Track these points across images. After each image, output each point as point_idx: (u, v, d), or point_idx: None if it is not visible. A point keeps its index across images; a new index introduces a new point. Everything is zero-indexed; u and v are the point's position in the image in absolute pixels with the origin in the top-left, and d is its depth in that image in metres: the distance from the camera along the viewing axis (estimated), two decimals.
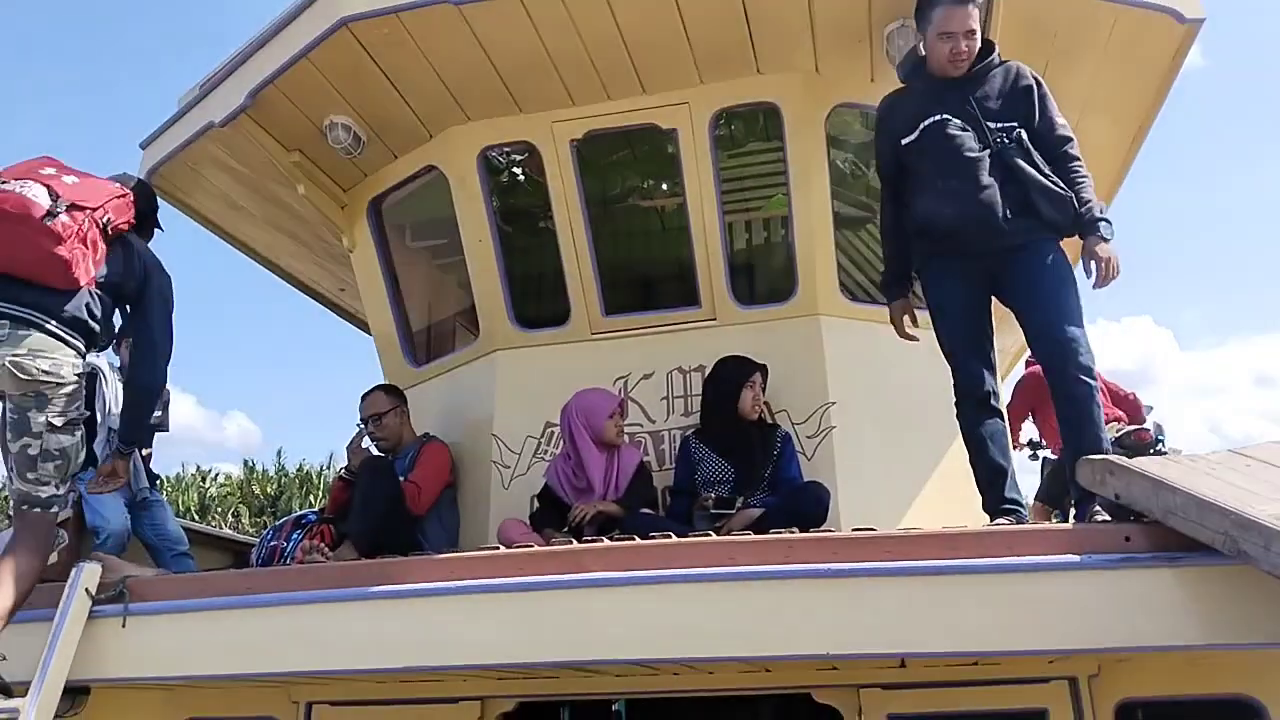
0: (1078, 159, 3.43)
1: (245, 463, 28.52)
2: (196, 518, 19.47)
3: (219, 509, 24.59)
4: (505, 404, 4.67)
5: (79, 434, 3.38)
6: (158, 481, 5.50)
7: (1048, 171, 3.33)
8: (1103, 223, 3.32)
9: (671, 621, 2.75)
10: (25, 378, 3.14)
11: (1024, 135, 3.39)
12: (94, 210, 3.26)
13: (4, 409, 3.31)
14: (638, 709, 6.09)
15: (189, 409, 49.10)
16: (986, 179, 3.31)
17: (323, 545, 3.94)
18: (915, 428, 4.32)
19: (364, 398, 4.70)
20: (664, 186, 5.12)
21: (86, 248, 3.23)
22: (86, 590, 3.12)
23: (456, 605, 2.87)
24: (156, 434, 5.42)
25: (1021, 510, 3.44)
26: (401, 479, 4.28)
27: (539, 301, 4.89)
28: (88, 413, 3.85)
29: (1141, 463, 2.68)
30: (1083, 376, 3.20)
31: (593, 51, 4.14)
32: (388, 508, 4.07)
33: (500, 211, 4.82)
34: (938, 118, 3.41)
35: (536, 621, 2.82)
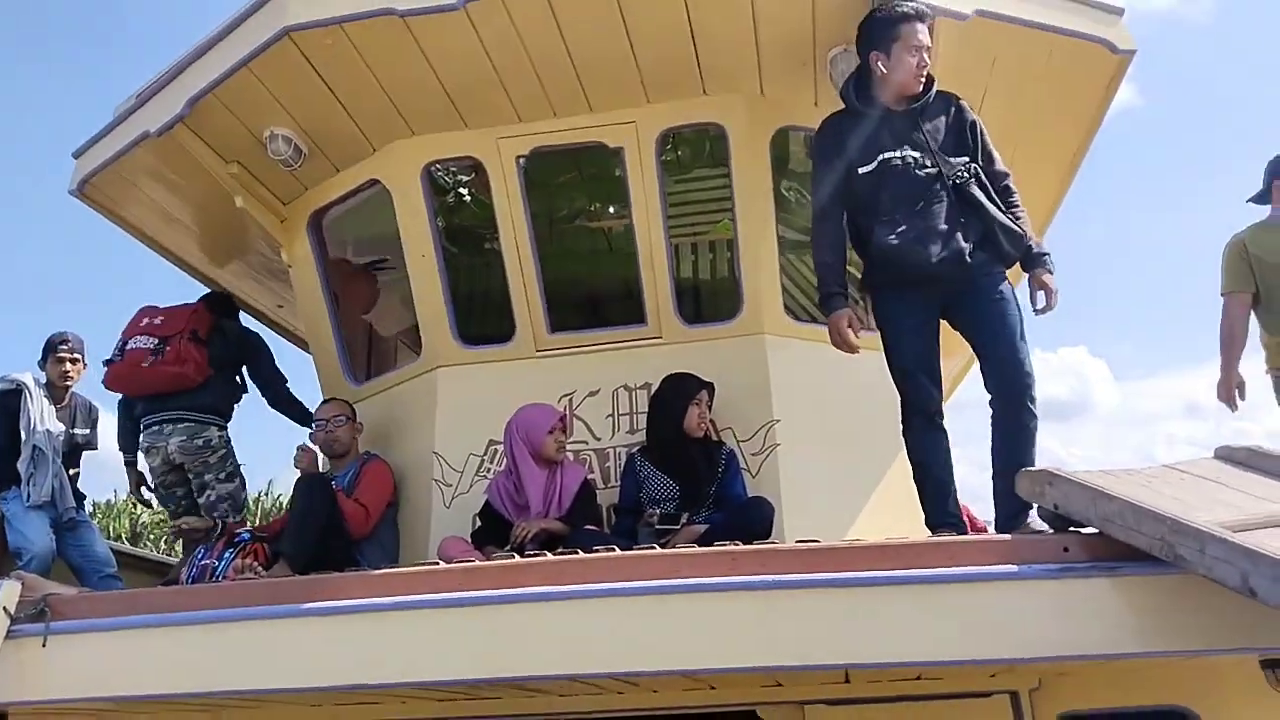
0: (1016, 193, 3.58)
1: None
2: (129, 546, 18.82)
3: (152, 536, 23.74)
4: (447, 421, 4.60)
5: (236, 481, 4.99)
6: (86, 504, 5.32)
7: (1002, 207, 3.47)
8: (1046, 255, 3.52)
9: (616, 636, 2.70)
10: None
11: (979, 171, 3.51)
12: (179, 334, 4.80)
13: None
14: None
15: None
16: (951, 216, 3.41)
17: (256, 564, 3.82)
18: (859, 445, 4.35)
19: (321, 404, 4.68)
20: (611, 208, 5.15)
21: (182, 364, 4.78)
22: (4, 609, 2.97)
23: (394, 622, 2.77)
24: (84, 452, 5.26)
25: (963, 525, 3.48)
26: (341, 494, 4.18)
27: (483, 318, 4.86)
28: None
29: (1080, 474, 2.72)
30: (1034, 409, 3.37)
31: (540, 69, 4.14)
32: (325, 526, 3.97)
33: (445, 228, 4.78)
34: (899, 153, 3.47)
35: (477, 638, 2.74)
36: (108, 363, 4.85)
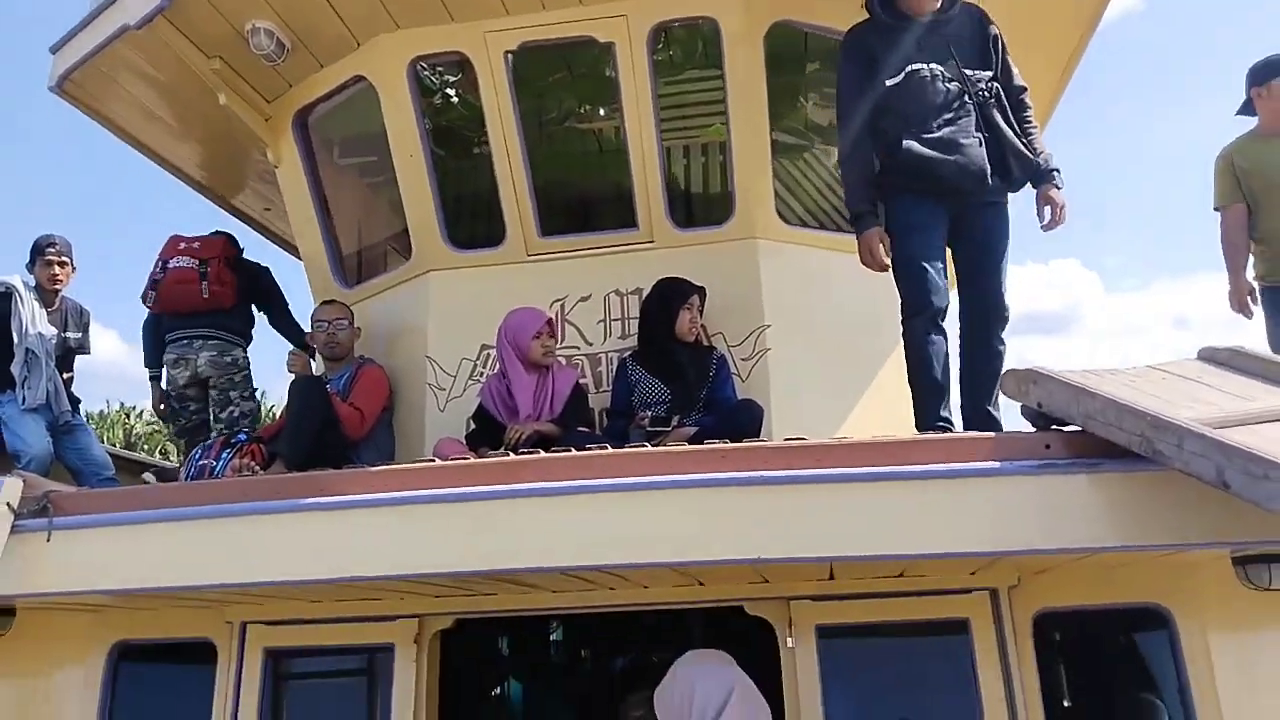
0: (1030, 108, 3.67)
1: None
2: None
3: (145, 447, 24.01)
4: (439, 326, 4.61)
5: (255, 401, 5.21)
6: (80, 409, 5.35)
7: (1019, 131, 3.57)
8: (1056, 172, 3.61)
9: (607, 530, 2.76)
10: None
11: (1000, 90, 3.59)
12: (216, 258, 5.00)
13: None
14: (574, 628, 6.21)
15: (112, 344, 47.64)
16: (974, 134, 3.52)
17: (253, 464, 3.87)
18: (849, 351, 4.40)
19: (322, 305, 4.68)
20: (602, 109, 5.04)
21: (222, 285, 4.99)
22: (8, 505, 3.03)
23: (392, 517, 2.83)
24: (77, 356, 5.26)
25: (953, 428, 3.54)
26: (336, 397, 4.22)
27: (473, 222, 4.82)
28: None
29: (1064, 373, 2.76)
30: (1004, 341, 3.60)
31: None
32: (320, 428, 4.01)
33: (433, 129, 4.70)
34: (926, 66, 3.54)
35: (473, 532, 2.80)
36: (152, 284, 4.97)
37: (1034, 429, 2.86)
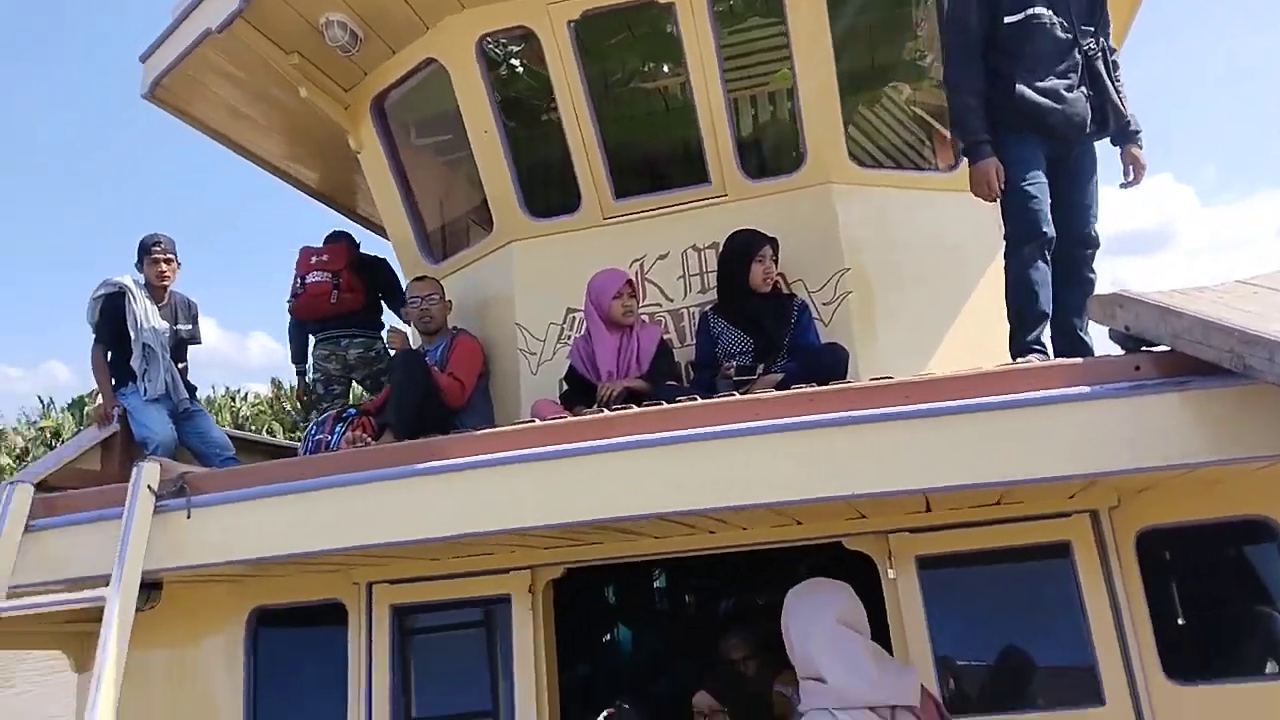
0: (1120, 68, 3.88)
1: (273, 381, 29.04)
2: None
3: (253, 427, 25.09)
4: (525, 293, 4.77)
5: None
6: (196, 395, 5.66)
7: (1118, 86, 3.77)
8: (1139, 133, 3.87)
9: (706, 477, 2.88)
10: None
11: (1105, 45, 3.76)
12: (344, 268, 5.53)
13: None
14: (679, 571, 6.35)
15: (212, 332, 49.58)
16: (1079, 86, 3.70)
17: (365, 436, 4.09)
18: (931, 289, 4.41)
19: (413, 281, 4.88)
20: (666, 67, 5.09)
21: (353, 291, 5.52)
22: (149, 487, 3.29)
23: (500, 475, 3.01)
24: (189, 346, 5.56)
25: (1047, 355, 3.55)
26: (434, 369, 4.40)
27: (549, 190, 4.93)
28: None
29: (1150, 294, 2.75)
30: (1094, 267, 3.81)
31: None
32: (422, 399, 4.20)
33: (504, 103, 4.81)
34: (1045, 12, 3.66)
35: (576, 486, 2.96)
36: (294, 296, 5.63)
37: (1123, 352, 2.87)
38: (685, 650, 5.56)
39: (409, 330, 4.86)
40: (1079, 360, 2.80)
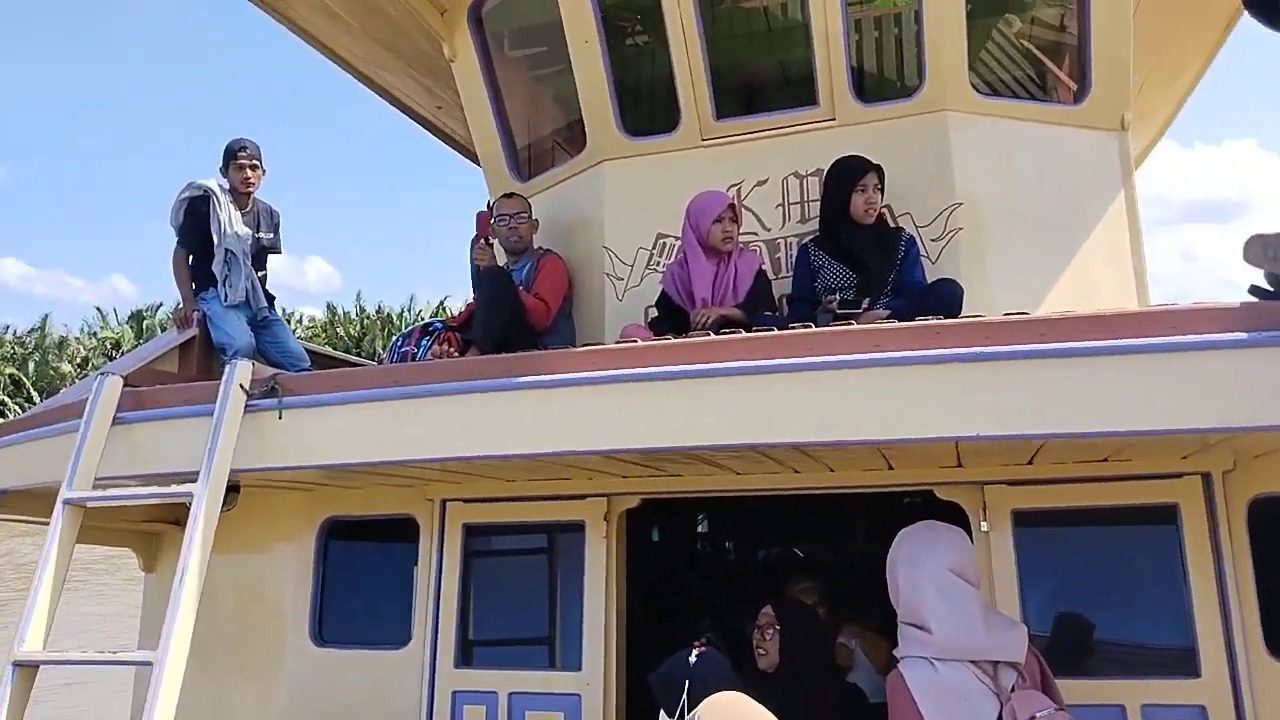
0: None
1: (328, 306, 29.45)
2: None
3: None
4: (615, 216, 4.62)
5: None
6: (275, 305, 5.64)
7: None
8: None
9: (817, 409, 2.72)
10: None
11: None
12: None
13: None
14: (722, 517, 6.26)
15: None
16: None
17: (452, 350, 4.01)
18: (1050, 229, 4.18)
19: (503, 198, 4.71)
20: None
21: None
22: (241, 385, 3.23)
23: (599, 395, 2.89)
24: (270, 254, 5.52)
25: None
26: (520, 289, 4.30)
27: (648, 109, 4.75)
28: None
29: None
30: None
31: None
32: (511, 316, 4.11)
33: (606, 12, 4.59)
34: None
35: (672, 411, 2.82)
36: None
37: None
38: (728, 593, 5.50)
39: (496, 246, 4.74)
40: (1234, 304, 2.56)
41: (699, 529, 6.86)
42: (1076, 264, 4.20)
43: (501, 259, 4.69)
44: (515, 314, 4.14)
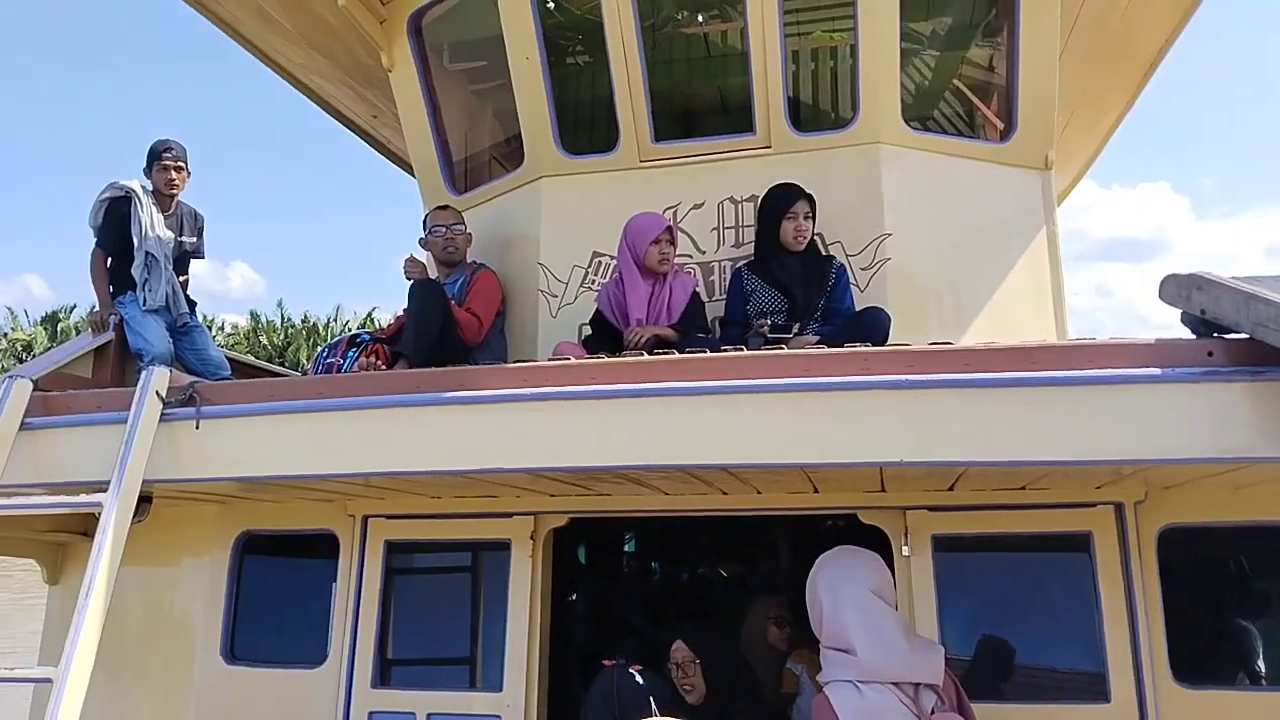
0: None
1: (252, 314, 28.72)
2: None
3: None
4: (551, 232, 4.60)
5: None
6: (196, 310, 5.47)
7: None
8: None
9: (746, 432, 2.75)
10: None
11: None
12: None
13: None
14: (648, 539, 6.28)
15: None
16: None
17: (379, 363, 3.94)
18: (969, 261, 4.28)
19: (438, 210, 4.66)
20: (723, 11, 4.90)
21: None
22: (157, 393, 3.13)
23: (525, 412, 2.86)
24: (192, 259, 5.37)
25: None
26: (452, 302, 4.25)
27: (586, 128, 4.77)
28: None
29: (1231, 279, 2.63)
30: None
31: None
32: (441, 330, 4.05)
33: (549, 30, 4.60)
34: None
35: (606, 430, 2.81)
36: None
37: (1194, 336, 2.75)
38: (649, 613, 5.49)
39: (427, 259, 4.67)
40: (1150, 340, 2.66)
41: (626, 548, 6.85)
42: (1000, 296, 4.33)
43: (434, 271, 4.64)
44: (446, 328, 4.08)
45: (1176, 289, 2.74)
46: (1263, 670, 3.57)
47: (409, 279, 4.31)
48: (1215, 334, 2.65)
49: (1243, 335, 2.56)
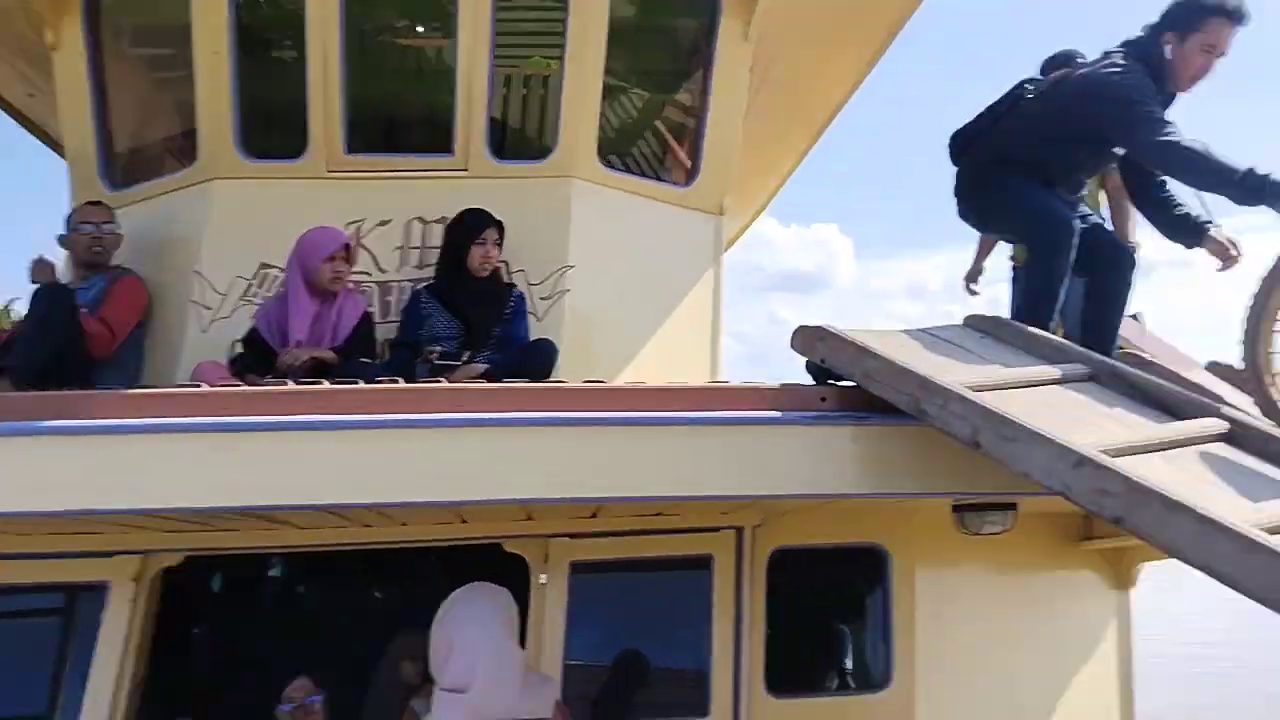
0: None
1: None
2: None
3: None
4: (216, 239, 4.20)
5: None
6: None
7: None
8: None
9: (388, 468, 2.63)
10: None
11: None
12: None
13: None
14: (296, 567, 5.91)
15: None
16: None
17: None
18: (647, 298, 4.42)
19: (89, 205, 4.16)
20: (433, 27, 4.75)
21: None
22: None
23: (145, 445, 2.57)
24: None
25: None
26: (83, 311, 3.79)
27: (272, 130, 4.43)
28: None
29: (848, 332, 2.87)
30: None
31: None
32: (63, 343, 3.61)
33: (243, 25, 4.23)
34: None
35: (233, 466, 2.58)
36: None
37: (815, 381, 2.98)
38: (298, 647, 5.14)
39: (59, 264, 4.12)
40: (774, 386, 2.86)
41: (272, 573, 6.29)
42: (666, 333, 4.47)
43: (67, 275, 4.12)
44: (70, 340, 3.63)
45: (803, 340, 2.96)
46: (850, 668, 4.10)
47: (34, 284, 3.79)
48: (830, 381, 2.88)
49: (853, 384, 2.80)
